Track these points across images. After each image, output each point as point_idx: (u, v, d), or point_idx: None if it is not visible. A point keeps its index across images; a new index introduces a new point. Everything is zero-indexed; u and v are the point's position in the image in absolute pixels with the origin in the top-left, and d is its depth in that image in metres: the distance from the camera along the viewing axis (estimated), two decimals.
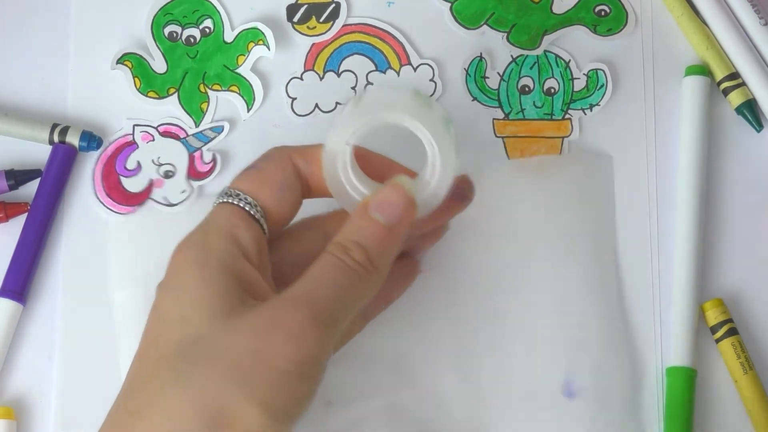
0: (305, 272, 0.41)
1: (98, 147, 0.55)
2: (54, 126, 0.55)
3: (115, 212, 0.55)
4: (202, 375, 0.38)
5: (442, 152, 0.43)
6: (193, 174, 0.55)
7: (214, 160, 0.55)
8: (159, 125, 0.56)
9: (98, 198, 0.55)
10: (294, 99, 0.56)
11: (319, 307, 0.39)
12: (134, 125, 0.55)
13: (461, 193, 0.47)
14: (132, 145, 0.55)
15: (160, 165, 0.55)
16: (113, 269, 0.54)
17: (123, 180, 0.55)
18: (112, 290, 0.53)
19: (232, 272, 0.41)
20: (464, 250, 0.54)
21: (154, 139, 0.55)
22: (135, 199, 0.55)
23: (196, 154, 0.55)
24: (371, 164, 0.46)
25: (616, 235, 0.55)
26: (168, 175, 0.55)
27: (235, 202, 0.43)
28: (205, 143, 0.55)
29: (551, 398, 0.52)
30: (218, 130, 0.55)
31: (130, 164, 0.55)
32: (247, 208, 0.43)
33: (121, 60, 0.56)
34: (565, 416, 0.52)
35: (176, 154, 0.55)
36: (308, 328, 0.39)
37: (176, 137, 0.56)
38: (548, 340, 0.53)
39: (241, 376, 0.38)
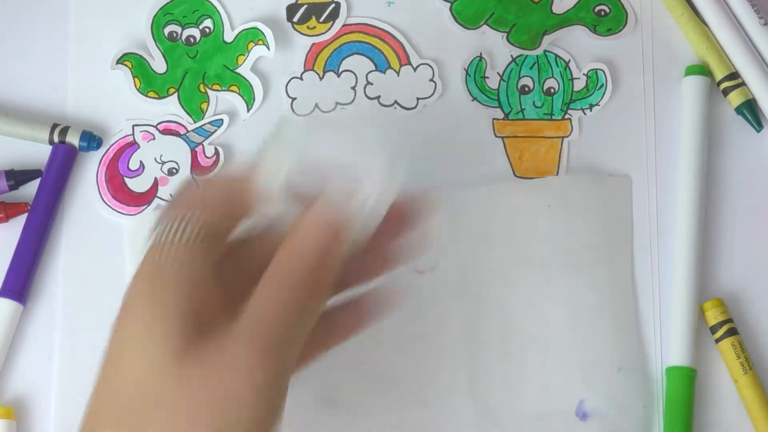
0: (250, 299, 0.39)
1: (98, 147, 0.55)
2: (54, 126, 0.55)
3: (124, 214, 0.55)
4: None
5: (375, 173, 0.41)
6: (197, 169, 0.55)
7: (216, 153, 0.55)
8: (158, 123, 0.56)
9: (105, 201, 0.55)
10: (294, 99, 0.56)
11: (265, 337, 0.38)
12: (133, 125, 0.55)
13: (401, 217, 0.45)
14: (133, 145, 0.55)
15: (163, 163, 0.55)
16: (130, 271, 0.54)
17: (127, 181, 0.55)
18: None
19: (186, 302, 0.39)
20: (479, 270, 0.54)
21: (154, 138, 0.55)
22: (142, 199, 0.55)
23: (198, 149, 0.55)
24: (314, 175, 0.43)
25: (633, 256, 0.55)
26: (172, 172, 0.55)
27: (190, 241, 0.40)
28: (206, 137, 0.55)
29: (564, 419, 0.52)
30: (218, 123, 0.56)
31: (133, 164, 0.55)
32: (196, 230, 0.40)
33: (121, 60, 0.56)
34: None
35: (178, 151, 0.55)
36: (257, 363, 0.37)
37: (176, 134, 0.56)
38: (562, 361, 0.52)
39: (191, 427, 0.37)
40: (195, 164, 0.55)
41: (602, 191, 0.55)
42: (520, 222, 0.54)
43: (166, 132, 0.56)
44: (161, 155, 0.55)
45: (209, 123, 0.56)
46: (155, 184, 0.55)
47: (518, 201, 0.55)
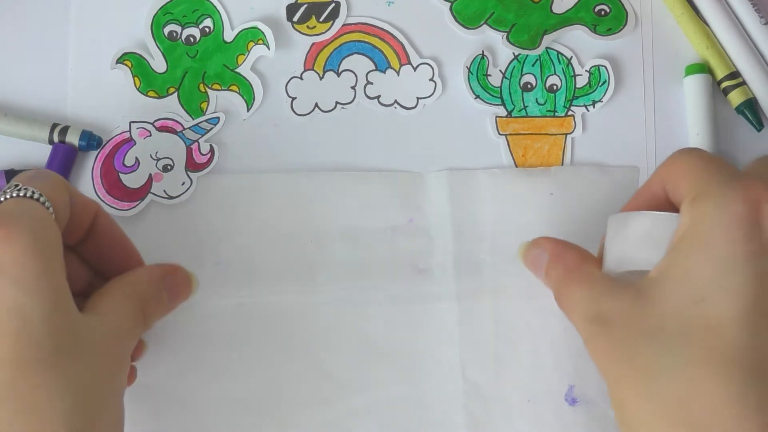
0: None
1: (98, 146, 0.55)
2: (54, 126, 0.55)
3: (118, 209, 0.54)
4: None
5: None
6: (192, 166, 0.55)
7: (211, 150, 0.55)
8: (155, 120, 0.55)
9: (99, 197, 0.54)
10: (294, 98, 0.56)
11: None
12: (130, 122, 0.55)
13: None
14: (129, 142, 0.55)
15: (158, 159, 0.55)
16: None
17: (122, 177, 0.55)
18: None
19: (62, 265, 0.42)
20: (477, 254, 0.54)
21: (150, 135, 0.55)
22: (136, 195, 0.54)
23: (194, 146, 0.55)
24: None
25: None
26: (167, 168, 0.55)
27: (39, 199, 0.43)
28: (202, 135, 0.55)
29: (553, 403, 0.53)
30: (214, 121, 0.55)
31: (129, 161, 0.55)
32: (50, 210, 0.43)
33: (121, 59, 0.56)
34: (566, 422, 0.52)
35: (173, 148, 0.55)
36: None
37: (173, 131, 0.55)
38: (555, 347, 0.53)
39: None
40: (190, 161, 0.55)
41: (608, 181, 0.55)
42: (519, 208, 0.54)
43: (163, 129, 0.55)
44: (157, 152, 0.55)
45: (206, 120, 0.55)
46: (149, 180, 0.55)
47: (520, 188, 0.55)
